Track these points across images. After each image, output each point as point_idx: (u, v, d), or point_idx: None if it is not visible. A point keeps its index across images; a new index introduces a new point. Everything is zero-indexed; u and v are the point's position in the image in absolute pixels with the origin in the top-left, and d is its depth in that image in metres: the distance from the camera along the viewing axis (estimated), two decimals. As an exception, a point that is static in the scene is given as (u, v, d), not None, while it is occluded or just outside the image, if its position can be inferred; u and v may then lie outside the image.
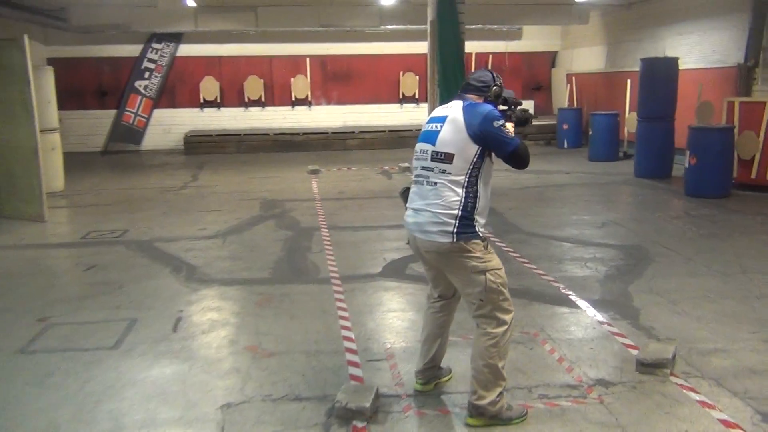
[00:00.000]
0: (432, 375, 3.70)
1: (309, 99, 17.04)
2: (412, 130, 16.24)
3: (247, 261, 6.44)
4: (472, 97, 3.38)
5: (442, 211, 3.23)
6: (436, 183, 3.27)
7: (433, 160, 3.29)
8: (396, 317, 4.90)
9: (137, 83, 16.38)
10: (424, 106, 16.74)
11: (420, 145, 3.38)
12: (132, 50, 16.35)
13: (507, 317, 3.33)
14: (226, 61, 16.75)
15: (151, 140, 16.71)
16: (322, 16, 14.70)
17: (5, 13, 11.52)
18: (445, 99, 9.43)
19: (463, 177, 3.24)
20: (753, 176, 9.32)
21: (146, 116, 16.56)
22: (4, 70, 8.25)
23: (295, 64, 16.98)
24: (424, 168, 3.33)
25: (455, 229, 3.21)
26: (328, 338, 4.47)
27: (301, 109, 17.06)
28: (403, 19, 15.23)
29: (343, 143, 16.07)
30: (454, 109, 3.31)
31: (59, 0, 12.98)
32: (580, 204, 8.95)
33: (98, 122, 16.50)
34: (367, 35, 16.65)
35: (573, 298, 5.18)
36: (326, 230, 7.60)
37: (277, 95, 17.01)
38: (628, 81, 13.36)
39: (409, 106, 17.36)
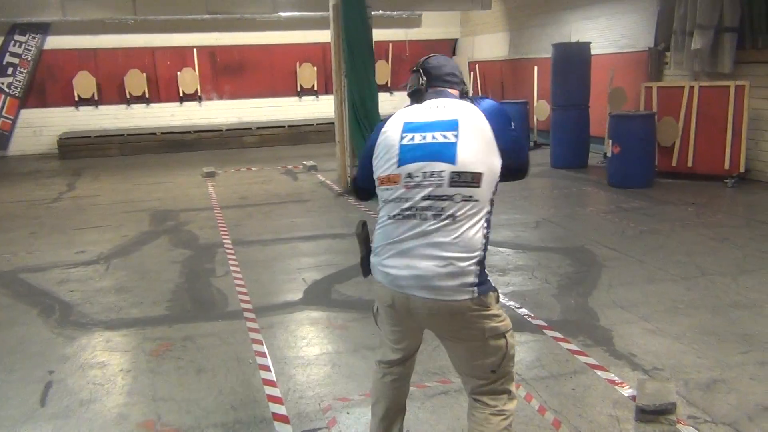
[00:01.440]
0: None
1: (199, 94, 15.69)
2: (313, 124, 15.30)
3: (137, 293, 5.32)
4: (453, 92, 2.54)
5: (461, 255, 2.28)
6: (455, 217, 2.28)
7: (453, 184, 2.28)
8: (330, 360, 3.99)
9: (-1, 80, 14.46)
10: (326, 98, 15.87)
11: (419, 165, 2.33)
12: (-10, 43, 14.41)
13: (514, 388, 2.52)
14: (102, 53, 15.09)
15: (19, 144, 14.84)
16: (210, 2, 13.44)
17: None
18: (355, 90, 8.60)
19: (488, 205, 2.35)
20: (674, 164, 9.05)
21: (11, 117, 14.66)
22: None
23: (181, 56, 15.55)
24: (430, 197, 2.30)
25: (477, 280, 2.30)
26: (247, 400, 3.51)
27: (190, 105, 15.68)
28: (299, 6, 14.26)
29: (239, 141, 14.86)
30: (463, 111, 2.40)
31: None
32: (505, 199, 8.33)
33: (-47, 126, 14.46)
34: (259, 24, 15.48)
35: (531, 320, 4.46)
36: (230, 246, 6.57)
37: (162, 90, 15.54)
38: (535, 68, 13.00)
39: (308, 99, 16.37)
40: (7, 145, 14.68)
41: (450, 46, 17.42)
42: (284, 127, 15.24)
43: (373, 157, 2.49)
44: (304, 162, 11.69)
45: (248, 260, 6.09)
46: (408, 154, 2.36)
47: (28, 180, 11.46)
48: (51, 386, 3.74)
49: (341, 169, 9.45)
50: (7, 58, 14.43)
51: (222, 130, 14.84)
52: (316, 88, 16.32)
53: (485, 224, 2.35)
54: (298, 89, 16.25)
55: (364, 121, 8.68)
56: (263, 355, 4.04)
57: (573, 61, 10.36)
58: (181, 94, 15.55)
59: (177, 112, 15.33)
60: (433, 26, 17.05)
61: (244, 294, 5.16)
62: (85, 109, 15.13)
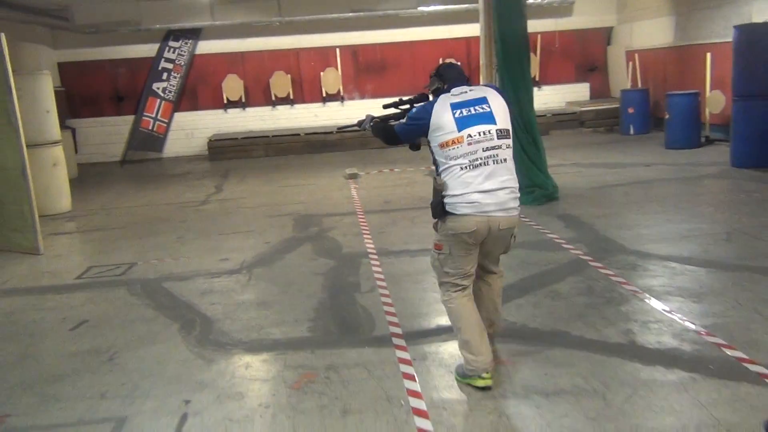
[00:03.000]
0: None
1: (341, 93, 15.53)
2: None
3: (279, 309, 4.95)
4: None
5: (515, 185, 3.47)
6: (506, 159, 3.44)
7: (499, 137, 3.41)
8: (495, 408, 3.34)
9: (155, 85, 15.05)
10: None
11: (475, 128, 3.39)
12: (148, 50, 15.03)
13: None
14: (249, 56, 15.32)
15: (173, 147, 15.40)
16: (353, 0, 13.15)
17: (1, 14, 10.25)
18: (508, 86, 7.88)
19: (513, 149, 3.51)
20: None
21: (166, 121, 15.23)
22: (-19, 77, 6.90)
23: (324, 56, 15.47)
24: (489, 148, 3.38)
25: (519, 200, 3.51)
26: (401, 455, 2.95)
27: (333, 105, 15.55)
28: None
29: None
30: (485, 91, 3.54)
31: (61, -3, 11.70)
32: (683, 206, 7.28)
33: (115, 129, 15.23)
34: (401, 20, 15.06)
35: (748, 365, 3.56)
36: (375, 257, 6.09)
37: (306, 91, 15.54)
38: (708, 55, 11.55)
39: (452, 96, 15.71)
40: (162, 147, 15.28)
41: (604, 35, 16.12)
42: (427, 125, 14.69)
43: (430, 131, 3.45)
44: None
45: (395, 273, 5.57)
46: (462, 122, 3.37)
47: (179, 182, 11.73)
48: (186, 420, 3.38)
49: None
50: (162, 64, 15.00)
51: (365, 129, 14.54)
52: (459, 85, 15.65)
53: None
54: (441, 86, 15.65)
55: (518, 119, 7.92)
56: (417, 395, 3.47)
57: (761, 45, 8.98)
58: (324, 95, 15.48)
59: (320, 113, 15.26)
60: (585, 14, 15.83)
61: (392, 314, 4.63)
62: (233, 112, 15.43)
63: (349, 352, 4.08)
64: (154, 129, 15.11)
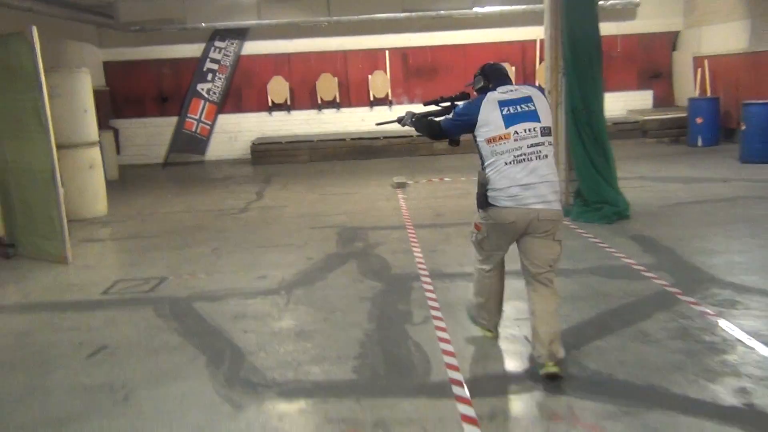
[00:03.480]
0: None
1: (389, 98, 14.91)
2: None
3: (320, 341, 4.34)
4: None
5: (556, 179, 3.65)
6: (547, 155, 3.60)
7: (543, 135, 3.59)
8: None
9: (199, 86, 14.67)
10: None
11: (521, 126, 3.56)
12: (193, 50, 14.68)
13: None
14: (295, 58, 14.84)
15: (216, 149, 15.01)
16: (406, -1, 12.55)
17: (40, 8, 9.94)
18: (576, 91, 7.17)
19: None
20: None
21: (210, 123, 14.84)
22: (12, 73, 6.48)
23: (373, 58, 14.89)
24: (533, 145, 3.56)
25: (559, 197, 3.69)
26: None
27: (380, 110, 14.93)
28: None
29: (430, 147, 13.81)
30: (530, 90, 3.71)
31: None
32: (774, 229, 6.45)
33: (158, 131, 14.92)
34: (454, 22, 14.40)
35: None
36: (428, 280, 5.44)
37: (353, 94, 14.98)
38: (790, 61, 10.60)
39: (505, 102, 14.96)
40: (205, 150, 14.89)
41: (669, 40, 15.16)
42: (478, 132, 13.99)
43: (477, 126, 3.63)
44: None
45: (451, 301, 4.90)
46: (509, 120, 3.57)
47: (220, 187, 11.29)
48: (205, 489, 2.78)
49: (553, 184, 8.01)
50: (208, 65, 14.62)
51: (412, 137, 13.91)
52: (513, 90, 14.90)
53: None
54: (494, 91, 14.92)
55: (586, 128, 7.19)
56: (487, 469, 2.81)
57: None
58: (371, 99, 14.90)
59: (367, 117, 14.62)
60: (650, 17, 14.91)
61: (450, 354, 3.97)
62: (278, 115, 14.97)
63: (401, 402, 3.44)
64: (198, 131, 14.73)
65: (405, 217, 7.97)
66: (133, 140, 14.98)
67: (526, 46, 14.85)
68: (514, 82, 3.85)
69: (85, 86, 8.89)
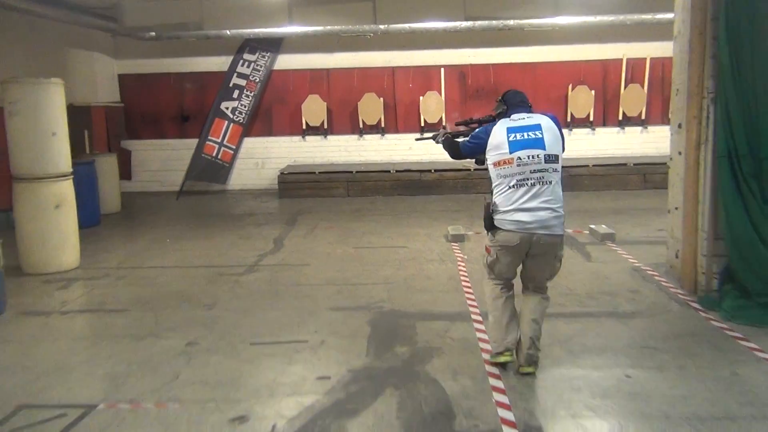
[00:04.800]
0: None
1: (443, 123, 12.61)
2: (587, 166, 11.56)
3: None
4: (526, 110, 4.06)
5: (559, 206, 3.82)
6: (551, 182, 3.79)
7: (547, 162, 3.78)
8: None
9: (224, 105, 12.64)
10: (606, 131, 12.21)
11: (525, 152, 3.77)
12: (219, 63, 12.72)
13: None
14: (335, 74, 12.74)
15: (239, 178, 12.98)
16: (470, 4, 10.28)
17: (27, 7, 8.04)
18: (738, 127, 4.78)
19: (560, 174, 3.88)
20: None
21: (234, 147, 12.77)
22: None
23: (425, 76, 12.68)
24: (536, 171, 3.76)
25: (563, 221, 3.87)
26: None
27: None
28: (593, 9, 10.63)
29: (488, 184, 11.46)
30: (540, 119, 3.88)
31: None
32: None
33: (177, 155, 12.96)
34: (524, 35, 12.11)
35: None
36: (521, 452, 3.11)
37: (401, 118, 12.77)
38: None
39: (581, 132, 12.55)
40: (226, 178, 12.83)
41: None
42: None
43: (487, 150, 3.92)
44: (591, 225, 8.01)
45: None
46: (515, 145, 3.81)
47: (234, 227, 9.16)
48: None
49: (686, 257, 5.53)
50: (234, 80, 12.60)
51: (470, 170, 11.61)
52: (591, 119, 12.49)
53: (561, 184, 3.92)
54: (569, 120, 12.52)
55: (751, 182, 4.78)
56: None
57: None
58: (422, 123, 12.66)
59: (416, 146, 12.32)
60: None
61: None
62: (312, 140, 12.86)
63: None
64: (219, 156, 12.66)
65: (468, 296, 5.66)
66: (147, 164, 13.06)
67: (608, 66, 12.48)
68: (532, 108, 4.07)
69: (54, 102, 6.82)
